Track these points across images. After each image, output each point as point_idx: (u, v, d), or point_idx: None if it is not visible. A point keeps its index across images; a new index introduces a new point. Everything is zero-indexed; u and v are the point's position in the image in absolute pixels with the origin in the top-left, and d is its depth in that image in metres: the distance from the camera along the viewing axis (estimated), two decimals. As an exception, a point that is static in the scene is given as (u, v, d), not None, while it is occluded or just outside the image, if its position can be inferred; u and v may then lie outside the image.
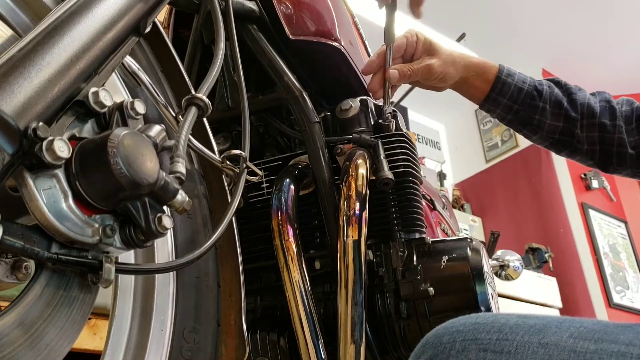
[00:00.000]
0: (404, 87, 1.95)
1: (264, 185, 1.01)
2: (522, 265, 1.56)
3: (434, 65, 1.03)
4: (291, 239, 0.88)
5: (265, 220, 0.92)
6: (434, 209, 1.36)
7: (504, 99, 1.10)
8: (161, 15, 1.06)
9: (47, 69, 0.44)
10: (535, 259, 4.32)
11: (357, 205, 0.87)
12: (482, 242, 1.07)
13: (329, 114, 1.05)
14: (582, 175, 4.77)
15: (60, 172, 0.45)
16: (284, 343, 0.94)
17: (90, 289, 0.50)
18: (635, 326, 0.48)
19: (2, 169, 0.41)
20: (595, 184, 4.76)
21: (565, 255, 4.45)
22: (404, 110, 4.60)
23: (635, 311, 4.47)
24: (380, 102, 1.07)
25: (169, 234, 0.67)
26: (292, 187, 0.92)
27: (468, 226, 4.91)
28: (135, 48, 0.68)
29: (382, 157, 0.95)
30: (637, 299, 4.55)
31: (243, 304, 0.71)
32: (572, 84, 1.15)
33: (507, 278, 1.54)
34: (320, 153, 0.95)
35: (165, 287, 0.65)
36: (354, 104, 1.03)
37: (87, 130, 0.49)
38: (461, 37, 2.53)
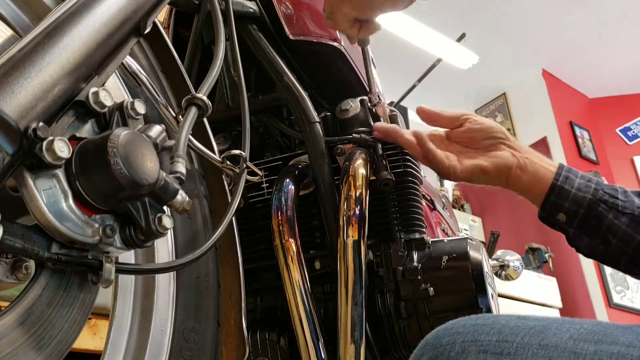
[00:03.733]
0: (404, 87, 1.96)
1: (264, 185, 1.01)
2: (522, 265, 1.56)
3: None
4: (291, 239, 0.88)
5: (265, 220, 0.92)
6: (434, 209, 1.36)
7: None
8: (161, 15, 1.06)
9: (47, 69, 0.44)
10: (535, 259, 4.32)
11: (357, 205, 0.87)
12: (482, 242, 1.07)
13: (329, 114, 1.05)
14: (582, 175, 4.77)
15: (60, 172, 0.45)
16: (284, 343, 0.94)
17: (90, 289, 0.50)
18: (635, 327, 0.48)
19: (2, 169, 0.41)
20: (595, 184, 4.75)
21: (565, 255, 4.45)
22: (404, 111, 4.61)
23: (635, 311, 4.47)
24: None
25: (169, 234, 0.67)
26: (292, 187, 0.92)
27: (468, 226, 4.91)
28: (135, 48, 0.68)
29: (382, 157, 0.95)
30: (637, 299, 4.55)
31: (243, 304, 0.71)
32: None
33: (507, 278, 1.55)
34: (320, 153, 0.95)
35: (165, 287, 0.65)
36: (354, 104, 1.03)
37: (87, 130, 0.49)
38: (461, 37, 2.54)
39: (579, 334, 0.48)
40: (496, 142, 0.87)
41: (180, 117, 0.63)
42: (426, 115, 0.94)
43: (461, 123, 0.90)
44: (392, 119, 1.05)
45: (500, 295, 2.92)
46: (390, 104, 1.48)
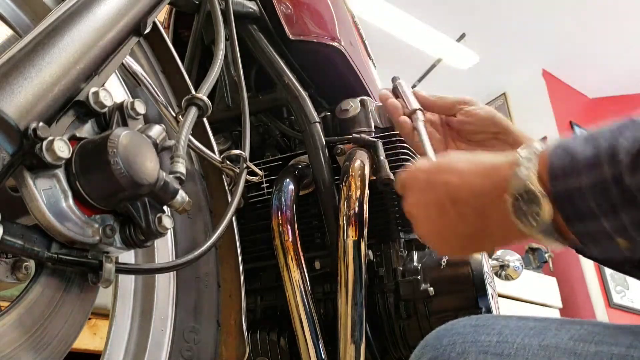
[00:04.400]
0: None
1: (264, 185, 1.01)
2: (522, 265, 1.56)
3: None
4: (291, 239, 0.88)
5: (265, 220, 0.92)
6: (434, 209, 1.36)
7: None
8: (161, 15, 1.05)
9: (47, 69, 0.44)
10: (535, 259, 4.32)
11: (357, 205, 0.87)
12: (482, 242, 1.07)
13: (329, 114, 1.05)
14: (582, 175, 4.76)
15: (60, 172, 0.45)
16: (284, 343, 0.94)
17: (90, 289, 0.50)
18: (635, 328, 0.48)
19: (2, 169, 0.41)
20: (595, 183, 4.75)
21: (565, 255, 4.44)
22: (404, 110, 4.60)
23: (636, 311, 4.47)
24: (380, 103, 1.07)
25: (169, 234, 0.67)
26: (292, 187, 0.92)
27: (468, 226, 4.90)
28: (135, 48, 0.68)
29: (382, 157, 0.95)
30: (637, 299, 4.55)
31: (243, 304, 0.71)
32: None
33: (507, 278, 1.54)
34: (320, 153, 0.95)
35: (165, 287, 0.65)
36: (354, 104, 1.03)
37: (87, 130, 0.49)
38: (461, 37, 2.54)
39: (579, 335, 0.47)
40: (489, 137, 0.84)
41: (180, 117, 0.63)
42: (420, 100, 0.92)
43: (455, 112, 0.88)
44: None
45: (500, 295, 2.92)
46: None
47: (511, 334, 0.50)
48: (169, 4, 0.75)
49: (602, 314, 4.20)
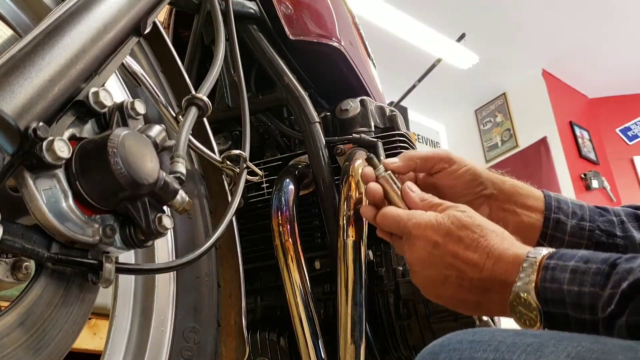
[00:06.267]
0: (404, 87, 1.96)
1: (264, 185, 1.01)
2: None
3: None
4: (291, 239, 0.88)
5: (265, 220, 0.92)
6: (434, 209, 1.36)
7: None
8: (161, 15, 1.06)
9: (47, 69, 0.44)
10: (534, 259, 4.31)
11: (357, 205, 0.87)
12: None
13: (329, 114, 1.05)
14: (582, 176, 4.77)
15: (60, 172, 0.45)
16: (284, 343, 0.94)
17: (90, 289, 0.50)
18: (635, 346, 0.47)
19: (3, 169, 0.41)
20: (595, 184, 4.75)
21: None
22: (404, 110, 4.60)
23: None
24: (380, 102, 1.07)
25: (169, 234, 0.67)
26: (292, 187, 0.92)
27: (468, 226, 4.90)
28: (135, 48, 0.68)
29: (382, 157, 0.95)
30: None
31: (243, 304, 0.71)
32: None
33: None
34: (320, 153, 0.95)
35: (165, 287, 0.65)
36: (354, 104, 1.03)
37: (87, 130, 0.49)
38: (461, 37, 2.55)
39: (576, 352, 0.47)
40: (473, 198, 0.79)
41: (180, 117, 0.63)
42: (394, 170, 0.77)
43: (436, 171, 0.78)
44: (392, 119, 1.05)
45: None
46: (390, 104, 1.48)
47: (507, 351, 0.50)
48: (169, 4, 0.75)
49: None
